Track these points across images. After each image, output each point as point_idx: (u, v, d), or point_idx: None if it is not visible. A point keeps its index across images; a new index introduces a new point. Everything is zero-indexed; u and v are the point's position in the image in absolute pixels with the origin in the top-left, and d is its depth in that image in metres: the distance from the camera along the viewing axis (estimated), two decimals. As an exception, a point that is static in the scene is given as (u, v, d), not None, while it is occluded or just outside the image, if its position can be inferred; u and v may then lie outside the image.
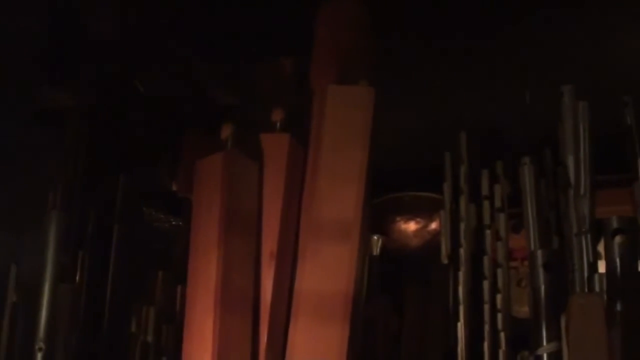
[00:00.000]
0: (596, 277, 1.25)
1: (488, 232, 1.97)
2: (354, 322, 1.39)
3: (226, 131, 1.48)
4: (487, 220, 1.97)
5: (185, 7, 1.77)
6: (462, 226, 1.99)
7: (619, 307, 1.22)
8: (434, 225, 2.35)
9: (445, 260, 1.99)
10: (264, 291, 1.47)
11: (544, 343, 1.32)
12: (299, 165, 1.55)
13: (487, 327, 1.88)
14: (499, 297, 1.85)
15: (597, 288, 1.24)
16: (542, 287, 1.35)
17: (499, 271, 1.88)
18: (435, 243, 2.06)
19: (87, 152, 1.81)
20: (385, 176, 2.47)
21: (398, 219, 2.40)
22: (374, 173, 2.35)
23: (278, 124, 1.54)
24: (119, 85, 1.89)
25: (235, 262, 1.45)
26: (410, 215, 2.39)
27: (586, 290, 1.29)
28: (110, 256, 1.84)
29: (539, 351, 1.33)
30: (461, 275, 1.95)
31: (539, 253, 1.37)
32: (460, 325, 1.93)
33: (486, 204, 1.98)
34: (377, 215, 2.37)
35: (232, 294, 1.43)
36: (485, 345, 1.87)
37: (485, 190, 1.98)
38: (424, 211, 2.37)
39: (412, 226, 2.41)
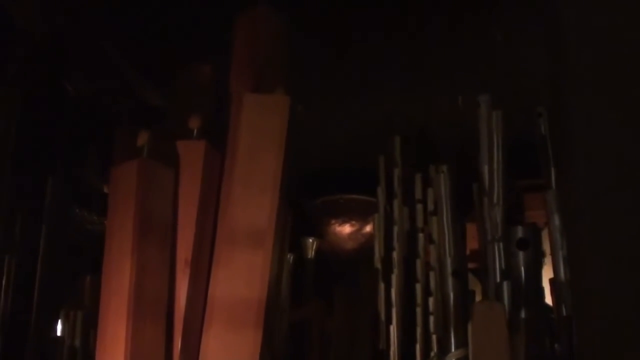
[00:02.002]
0: (505, 284, 1.26)
1: (421, 235, 1.98)
2: (267, 328, 1.39)
3: (142, 138, 1.47)
4: (420, 223, 1.99)
5: (114, 10, 1.75)
6: (395, 229, 2.00)
7: (523, 314, 1.23)
8: (368, 228, 2.35)
9: (378, 263, 2.01)
10: (178, 298, 1.47)
11: (453, 349, 1.33)
12: (215, 173, 1.55)
13: (419, 330, 1.89)
14: (431, 299, 1.86)
15: (505, 295, 1.25)
16: (451, 294, 1.36)
17: (432, 274, 1.89)
18: (370, 246, 2.07)
19: (13, 152, 1.78)
20: (319, 179, 2.49)
21: (333, 221, 2.41)
22: (315, 175, 2.37)
23: (195, 131, 1.54)
24: (47, 85, 1.87)
25: (149, 269, 1.44)
26: (345, 218, 2.40)
27: (493, 297, 1.31)
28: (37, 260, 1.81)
29: (447, 357, 1.34)
30: (394, 278, 1.96)
31: (448, 261, 1.38)
32: (393, 328, 1.94)
33: (419, 207, 1.99)
34: (312, 218, 2.38)
35: (145, 301, 1.42)
36: (418, 347, 1.88)
37: (418, 194, 2.00)
38: (359, 214, 2.38)
39: (346, 229, 2.41)
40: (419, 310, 1.89)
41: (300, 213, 2.06)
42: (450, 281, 1.36)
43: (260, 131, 1.48)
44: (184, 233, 1.49)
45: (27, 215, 1.80)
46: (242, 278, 1.41)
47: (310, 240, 2.36)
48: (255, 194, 1.44)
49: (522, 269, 1.27)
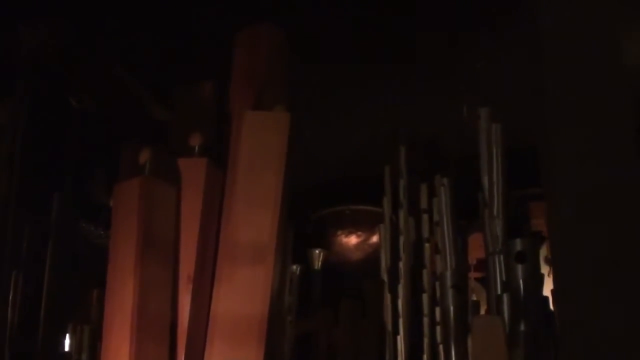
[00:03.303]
0: (505, 297, 1.26)
1: (427, 245, 1.98)
2: (270, 343, 1.39)
3: (144, 156, 1.48)
4: (426, 233, 1.99)
5: (119, 28, 1.76)
6: (402, 240, 2.00)
7: (522, 327, 1.22)
8: (374, 239, 2.35)
9: (384, 274, 2.00)
10: (181, 315, 1.48)
11: (453, 361, 1.32)
12: (217, 190, 1.56)
13: (426, 340, 1.88)
14: (437, 310, 1.85)
15: (505, 308, 1.24)
16: (451, 308, 1.35)
17: (437, 284, 1.88)
18: (377, 256, 2.07)
19: (20, 169, 1.79)
20: (325, 190, 2.49)
21: (339, 232, 2.41)
22: (321, 186, 2.37)
23: (196, 148, 1.55)
24: (54, 101, 1.88)
25: (152, 287, 1.45)
26: (352, 228, 2.40)
27: (494, 309, 1.30)
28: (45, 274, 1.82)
29: (449, 370, 1.34)
30: (400, 288, 1.96)
31: (448, 274, 1.38)
32: (400, 339, 1.94)
33: (425, 217, 1.99)
34: (319, 229, 2.38)
35: (148, 318, 1.43)
36: (425, 358, 1.87)
37: (424, 204, 2.00)
38: (365, 225, 2.38)
39: (353, 240, 2.42)
40: (426, 320, 1.89)
41: (306, 225, 2.06)
42: (450, 294, 1.36)
43: (261, 148, 1.48)
44: (186, 250, 1.50)
45: (34, 230, 1.81)
46: (244, 294, 1.41)
47: (317, 251, 2.37)
48: (256, 211, 1.45)
49: (521, 281, 1.27)
